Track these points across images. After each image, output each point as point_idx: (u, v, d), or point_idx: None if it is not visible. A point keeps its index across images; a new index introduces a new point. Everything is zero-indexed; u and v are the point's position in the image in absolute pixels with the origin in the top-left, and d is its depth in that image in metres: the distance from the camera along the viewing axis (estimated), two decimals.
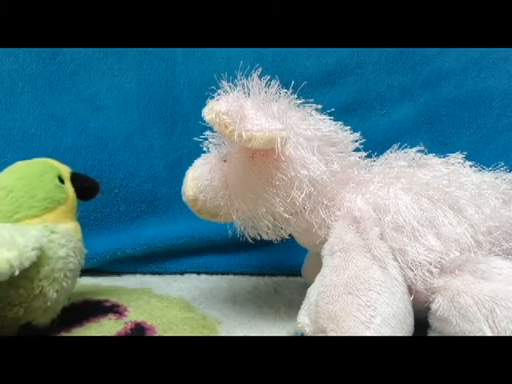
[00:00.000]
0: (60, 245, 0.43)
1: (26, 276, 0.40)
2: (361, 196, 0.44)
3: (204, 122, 0.42)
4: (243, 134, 0.39)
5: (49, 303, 0.42)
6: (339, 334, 0.36)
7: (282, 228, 0.46)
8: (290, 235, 0.48)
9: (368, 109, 0.66)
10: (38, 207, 0.44)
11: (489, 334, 0.35)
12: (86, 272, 0.53)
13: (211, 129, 0.45)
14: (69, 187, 0.48)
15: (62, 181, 0.47)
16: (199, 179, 0.47)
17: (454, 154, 0.47)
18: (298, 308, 0.44)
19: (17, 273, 0.36)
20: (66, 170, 0.49)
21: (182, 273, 0.66)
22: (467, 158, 0.46)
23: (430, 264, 0.39)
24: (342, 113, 0.48)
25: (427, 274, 0.39)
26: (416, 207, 0.42)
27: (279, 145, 0.39)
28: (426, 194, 0.42)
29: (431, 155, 0.47)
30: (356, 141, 0.48)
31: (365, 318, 0.36)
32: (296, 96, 0.46)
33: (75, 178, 0.49)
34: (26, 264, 0.37)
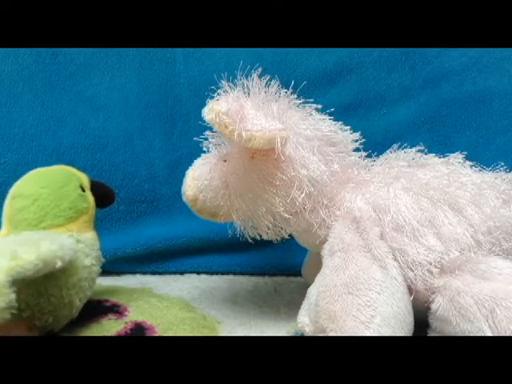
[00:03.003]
0: (85, 254, 0.44)
1: (56, 284, 0.40)
2: (361, 196, 0.44)
3: (204, 122, 0.42)
4: (243, 133, 0.39)
5: (74, 311, 0.43)
6: (339, 334, 0.36)
7: (281, 228, 0.46)
8: (290, 235, 0.48)
9: (368, 109, 0.66)
10: (63, 216, 0.44)
11: (489, 333, 0.35)
12: None
13: (211, 129, 0.45)
14: (89, 196, 0.48)
15: (83, 190, 0.47)
16: (199, 179, 0.47)
17: (453, 154, 0.47)
18: (298, 308, 0.44)
19: (59, 264, 0.36)
20: (85, 179, 0.49)
21: (181, 273, 0.66)
22: (467, 157, 0.46)
23: (430, 264, 0.39)
24: (342, 113, 0.48)
25: (427, 274, 0.39)
26: (416, 207, 0.42)
27: (279, 145, 0.39)
28: (426, 194, 0.42)
29: (431, 155, 0.47)
30: (356, 141, 0.48)
31: (365, 318, 0.36)
32: (296, 96, 0.46)
33: (94, 187, 0.49)
34: (67, 258, 0.38)
